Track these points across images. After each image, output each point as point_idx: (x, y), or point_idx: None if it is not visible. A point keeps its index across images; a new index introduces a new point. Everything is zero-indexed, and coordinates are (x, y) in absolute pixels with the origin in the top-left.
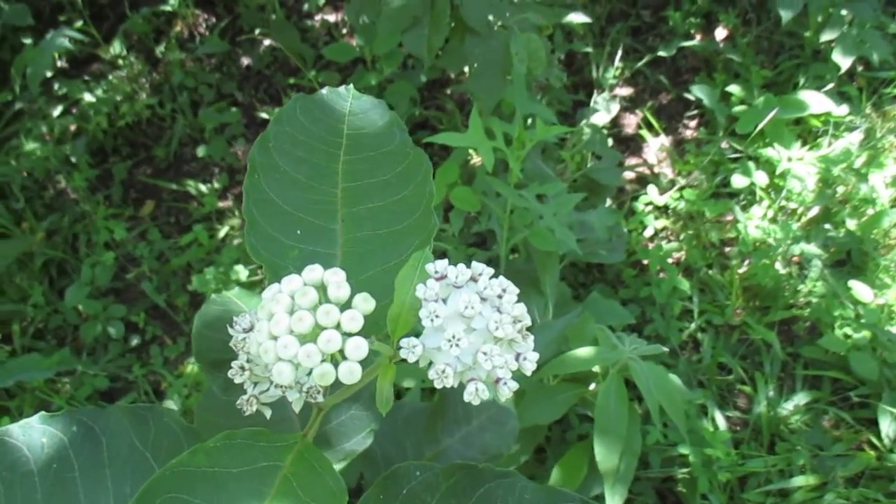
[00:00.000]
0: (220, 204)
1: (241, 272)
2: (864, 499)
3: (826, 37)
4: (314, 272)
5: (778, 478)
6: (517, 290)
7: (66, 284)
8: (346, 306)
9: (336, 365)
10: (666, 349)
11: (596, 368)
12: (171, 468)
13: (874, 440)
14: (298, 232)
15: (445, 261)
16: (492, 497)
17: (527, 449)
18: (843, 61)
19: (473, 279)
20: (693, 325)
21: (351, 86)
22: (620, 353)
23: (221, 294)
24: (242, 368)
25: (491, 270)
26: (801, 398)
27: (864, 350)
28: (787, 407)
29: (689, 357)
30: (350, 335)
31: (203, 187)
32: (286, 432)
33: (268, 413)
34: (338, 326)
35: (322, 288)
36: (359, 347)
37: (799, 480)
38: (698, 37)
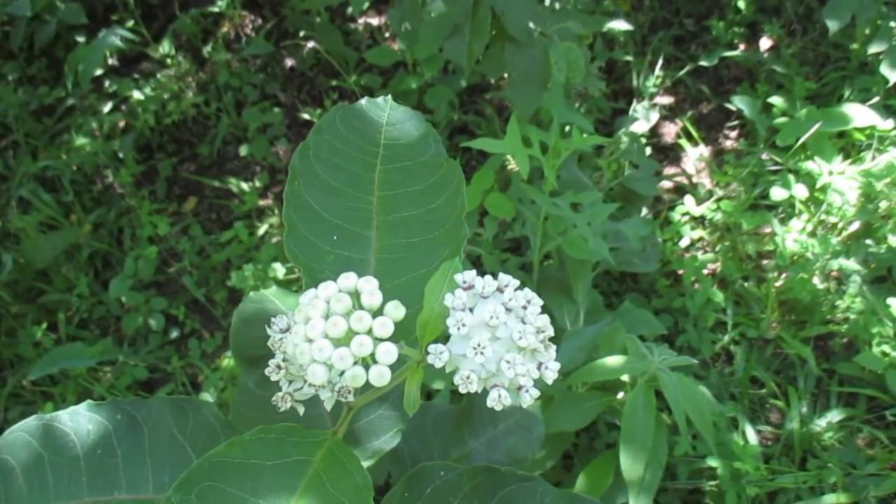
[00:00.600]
0: (261, 202)
1: (279, 270)
2: None
3: (874, 49)
4: (349, 280)
5: (808, 495)
6: (541, 302)
7: (111, 276)
8: (378, 313)
9: (367, 368)
10: (696, 361)
11: (625, 377)
12: (209, 458)
13: None
14: (335, 238)
15: (473, 272)
16: (513, 500)
17: (553, 455)
18: (891, 74)
19: (500, 290)
20: (726, 338)
21: (389, 96)
22: (649, 363)
23: (259, 292)
24: (279, 367)
25: (517, 282)
26: (835, 415)
27: None
28: (821, 423)
29: (721, 370)
30: (381, 340)
31: (244, 185)
32: (318, 429)
33: (301, 410)
34: (369, 332)
35: (356, 294)
36: (389, 352)
37: (830, 498)
38: (742, 47)
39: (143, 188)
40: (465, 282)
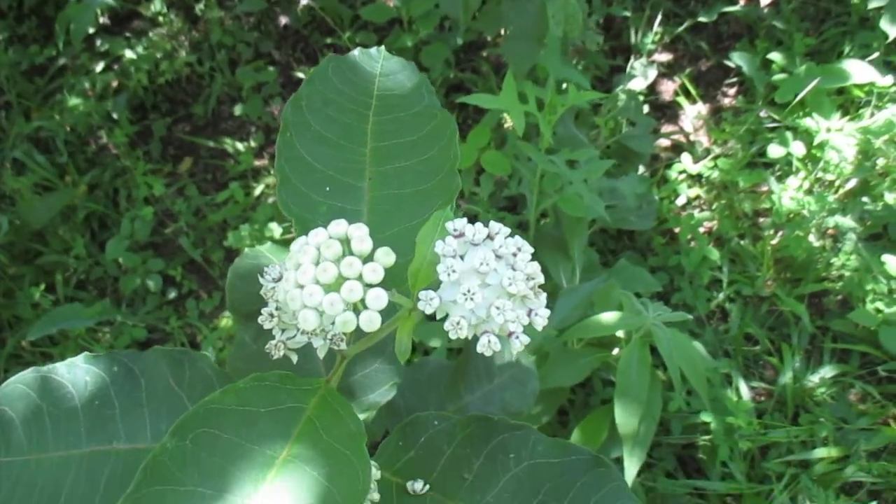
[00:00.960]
0: (256, 162)
1: (276, 229)
2: (886, 472)
3: (874, 3)
4: (339, 226)
5: (800, 449)
6: (531, 249)
7: (107, 237)
8: (368, 259)
9: (357, 314)
10: (690, 317)
11: (620, 333)
12: (204, 405)
13: None
14: (327, 189)
15: (464, 219)
16: (505, 448)
17: (549, 410)
18: (891, 29)
19: (490, 237)
20: (721, 296)
21: (382, 47)
22: (644, 318)
23: (254, 248)
24: (271, 315)
25: (507, 230)
26: (827, 371)
27: (895, 325)
28: (814, 379)
29: (716, 327)
30: (371, 286)
31: (240, 145)
32: (312, 377)
33: (294, 358)
34: (360, 278)
35: (346, 241)
36: (379, 297)
37: (821, 452)
38: (741, 2)
39: (138, 149)
40: (455, 229)
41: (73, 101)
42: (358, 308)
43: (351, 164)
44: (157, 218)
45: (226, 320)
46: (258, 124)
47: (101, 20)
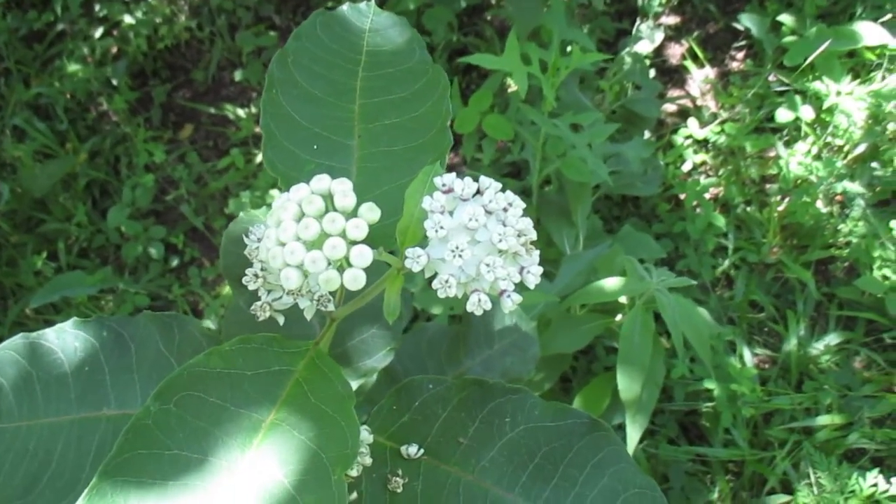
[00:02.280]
0: (257, 129)
1: (277, 196)
2: (889, 439)
3: None
4: (322, 182)
5: (803, 416)
6: (523, 205)
7: (109, 205)
8: (351, 215)
9: (342, 272)
10: (694, 282)
11: (623, 300)
12: (188, 368)
13: None
14: (315, 147)
15: (453, 174)
16: (502, 411)
17: (552, 377)
18: None
19: (480, 192)
20: (727, 262)
21: (372, 2)
22: (647, 284)
23: (248, 212)
24: (256, 276)
25: (498, 185)
26: (832, 338)
27: None
28: (818, 347)
29: (720, 294)
30: (355, 243)
31: (240, 111)
32: (301, 340)
33: (281, 320)
34: (343, 234)
35: (329, 197)
36: (363, 255)
37: (824, 419)
38: None
39: (138, 115)
40: (444, 185)
41: (73, 67)
42: (343, 266)
43: (339, 122)
44: (159, 185)
45: (228, 288)
46: (258, 90)
47: None
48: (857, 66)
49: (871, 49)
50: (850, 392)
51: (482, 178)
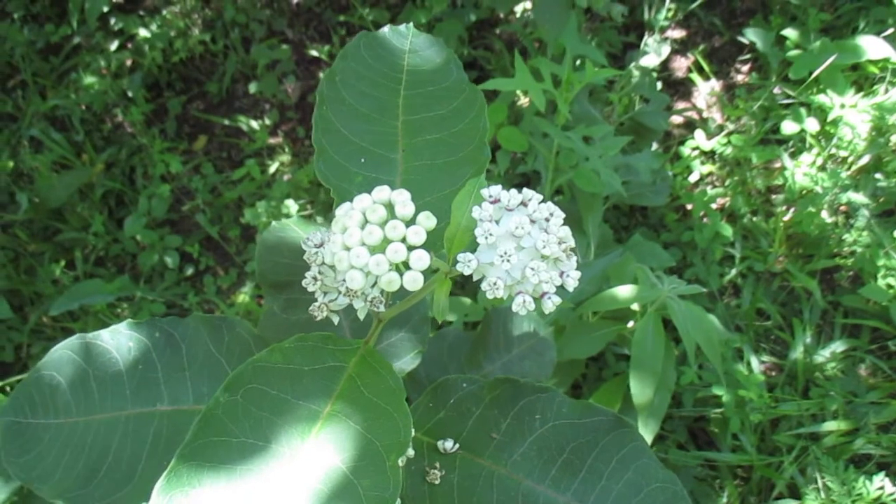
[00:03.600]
0: (271, 140)
1: (292, 206)
2: (894, 444)
3: None
4: (382, 192)
5: (810, 422)
6: (563, 215)
7: (125, 215)
8: (410, 222)
9: (401, 274)
10: (704, 290)
11: (635, 307)
12: (252, 363)
13: None
14: (362, 160)
15: (499, 186)
16: (531, 409)
17: (565, 382)
18: None
19: (524, 203)
20: (734, 271)
21: (411, 24)
22: (659, 291)
23: (281, 221)
24: (315, 279)
25: (540, 196)
26: (838, 346)
27: None
28: (824, 354)
29: (727, 302)
30: (414, 248)
31: (254, 123)
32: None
33: (335, 319)
34: (403, 240)
35: (389, 206)
36: (422, 258)
37: (831, 425)
38: None
39: (153, 127)
40: (491, 196)
41: (89, 79)
42: (400, 269)
43: (384, 137)
44: (174, 195)
45: (243, 296)
46: (272, 102)
47: None
48: (861, 79)
49: (874, 62)
50: (856, 398)
51: (525, 190)
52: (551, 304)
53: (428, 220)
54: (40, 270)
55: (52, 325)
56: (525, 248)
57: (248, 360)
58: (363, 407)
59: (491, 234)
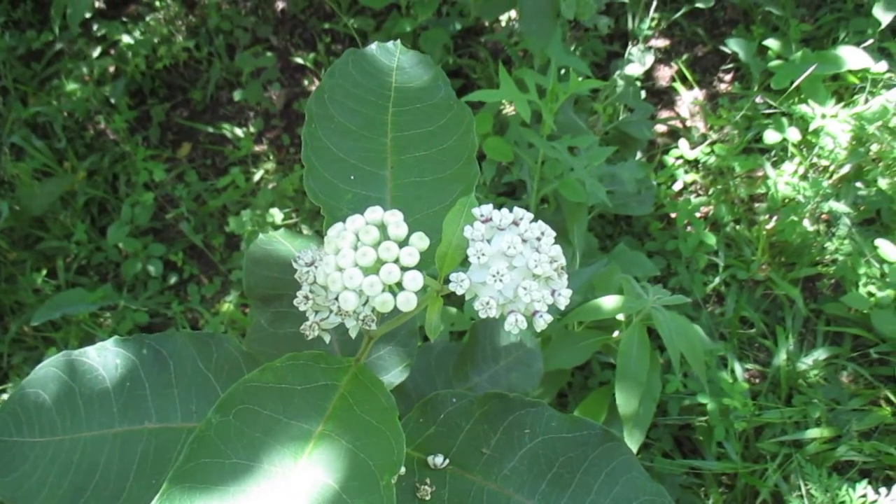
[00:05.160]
0: (256, 148)
1: (277, 215)
2: (877, 451)
3: None
4: (375, 213)
5: (793, 429)
6: (554, 234)
7: (107, 223)
8: (403, 243)
9: (394, 295)
10: (689, 300)
11: (620, 317)
12: (244, 383)
13: (891, 396)
14: (352, 177)
15: (490, 205)
16: (521, 424)
17: (550, 392)
18: (884, 16)
19: (515, 223)
20: (717, 280)
21: (398, 41)
22: (644, 301)
23: (268, 234)
24: (306, 298)
25: (531, 215)
26: (820, 353)
27: (887, 308)
28: (807, 361)
29: (711, 310)
30: (407, 268)
31: (239, 131)
32: (342, 356)
33: (327, 338)
34: (397, 261)
35: (382, 227)
36: (415, 279)
37: (814, 432)
38: None
39: (136, 134)
40: (482, 215)
41: (71, 86)
42: (394, 290)
43: (373, 154)
44: (158, 203)
45: (227, 305)
46: (257, 110)
47: (97, 4)
48: (841, 88)
49: (854, 73)
50: (838, 406)
51: (516, 209)
52: (543, 322)
53: (421, 241)
54: (21, 279)
55: (34, 334)
56: (517, 268)
57: (239, 380)
58: (356, 426)
59: (483, 254)
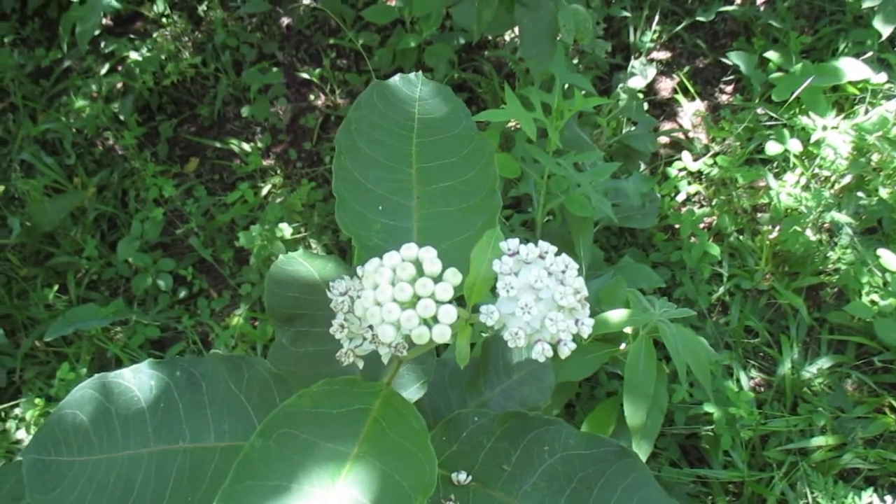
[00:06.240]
0: (263, 163)
1: (286, 230)
2: (882, 459)
3: (868, 3)
4: (410, 250)
5: (799, 437)
6: (577, 266)
7: (117, 238)
8: (438, 279)
9: (429, 328)
10: (694, 313)
11: (627, 329)
12: (283, 409)
13: (895, 404)
14: (380, 207)
15: (517, 240)
16: (540, 441)
17: (558, 404)
18: (884, 28)
19: (541, 256)
20: (722, 289)
21: (420, 72)
22: (651, 315)
23: (288, 255)
24: (342, 326)
25: (555, 248)
26: (825, 362)
27: (890, 317)
28: (811, 370)
29: (716, 320)
30: (442, 303)
31: (246, 146)
32: (373, 381)
33: (361, 364)
34: (432, 296)
35: (417, 263)
36: (450, 313)
37: (819, 440)
38: (738, 1)
39: (145, 150)
40: (510, 249)
41: (80, 102)
42: (429, 323)
43: (399, 184)
44: (167, 218)
45: (237, 319)
46: (264, 125)
47: (104, 21)
48: (841, 99)
49: (854, 84)
50: (843, 414)
51: (541, 243)
52: (567, 350)
53: (454, 277)
54: (33, 295)
55: (46, 349)
56: (543, 300)
57: (279, 406)
58: (389, 448)
59: (512, 287)
